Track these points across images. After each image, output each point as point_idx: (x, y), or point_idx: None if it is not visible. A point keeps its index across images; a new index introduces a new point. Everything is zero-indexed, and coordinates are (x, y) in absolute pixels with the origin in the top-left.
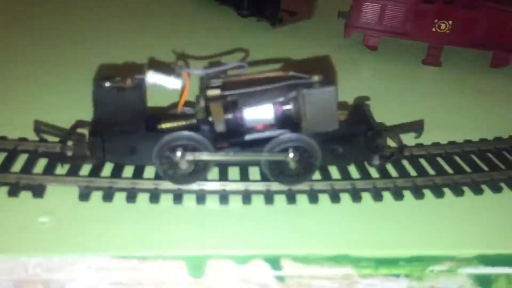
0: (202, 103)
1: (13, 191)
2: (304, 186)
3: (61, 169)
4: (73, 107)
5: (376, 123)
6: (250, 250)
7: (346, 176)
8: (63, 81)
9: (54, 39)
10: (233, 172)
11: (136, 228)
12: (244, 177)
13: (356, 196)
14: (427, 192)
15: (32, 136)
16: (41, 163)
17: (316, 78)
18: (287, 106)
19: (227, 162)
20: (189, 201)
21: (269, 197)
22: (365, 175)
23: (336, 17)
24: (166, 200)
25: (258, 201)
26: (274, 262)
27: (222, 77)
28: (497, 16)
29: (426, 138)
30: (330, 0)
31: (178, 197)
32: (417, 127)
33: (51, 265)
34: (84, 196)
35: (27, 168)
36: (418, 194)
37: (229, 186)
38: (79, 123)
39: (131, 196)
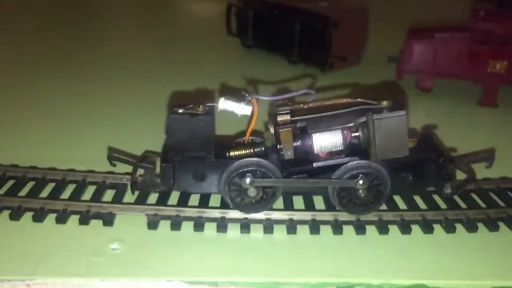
0: (271, 129)
1: (84, 219)
2: (372, 216)
3: (129, 198)
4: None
5: (446, 151)
6: (323, 278)
7: (414, 206)
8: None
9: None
10: (298, 202)
11: (205, 256)
12: (310, 206)
13: (427, 227)
14: (500, 224)
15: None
16: (109, 194)
17: (385, 103)
18: (355, 133)
19: (294, 191)
20: (256, 230)
21: (337, 227)
22: (434, 206)
23: (384, 63)
24: (233, 229)
25: (325, 231)
26: None
27: (290, 104)
28: None
29: (489, 173)
30: (378, 46)
31: (245, 226)
32: (487, 156)
33: None
34: (153, 224)
35: (97, 197)
36: (492, 226)
37: (296, 215)
38: (148, 153)
39: (199, 225)
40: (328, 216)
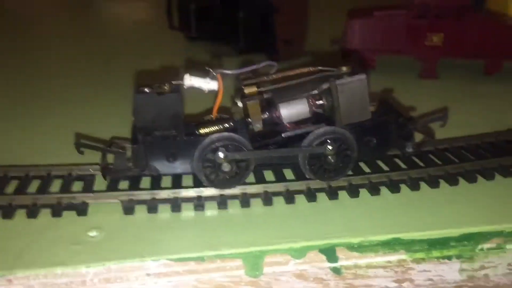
0: (239, 103)
1: (57, 211)
2: (342, 181)
3: (99, 187)
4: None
5: (404, 112)
6: (306, 242)
7: (380, 169)
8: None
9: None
10: (269, 175)
11: (187, 234)
12: (282, 178)
13: (394, 186)
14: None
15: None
16: (77, 185)
17: (344, 69)
18: (319, 101)
19: (265, 162)
20: (233, 206)
21: (310, 195)
22: (397, 167)
23: (328, 47)
24: (210, 208)
25: (300, 200)
26: (330, 253)
27: (253, 77)
28: (486, 26)
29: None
30: (319, 32)
31: (223, 203)
32: (442, 116)
33: (109, 275)
34: (128, 209)
35: (65, 189)
36: (452, 180)
37: (270, 188)
38: (114, 139)
39: (175, 206)
40: (300, 185)
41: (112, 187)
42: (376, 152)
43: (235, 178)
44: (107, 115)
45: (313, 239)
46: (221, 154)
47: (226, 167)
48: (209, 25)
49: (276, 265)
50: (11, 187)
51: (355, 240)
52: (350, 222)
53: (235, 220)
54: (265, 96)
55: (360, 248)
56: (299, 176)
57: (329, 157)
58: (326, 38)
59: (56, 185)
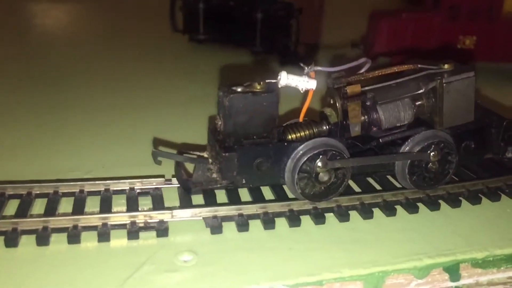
0: (338, 103)
1: (132, 233)
2: (441, 190)
3: (170, 201)
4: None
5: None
6: (430, 260)
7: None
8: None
9: None
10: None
11: (298, 255)
12: (369, 189)
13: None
14: None
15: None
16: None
17: (446, 66)
18: (418, 101)
19: (359, 171)
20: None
21: (412, 206)
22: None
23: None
24: (307, 222)
25: (399, 212)
26: (453, 270)
27: (346, 77)
28: None
29: None
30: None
31: (320, 216)
32: None
33: None
34: (216, 228)
35: (133, 206)
36: None
37: (367, 199)
38: (183, 149)
39: (268, 222)
40: (398, 195)
41: (187, 202)
42: (474, 157)
43: (332, 189)
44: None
45: (437, 256)
46: (320, 163)
47: (323, 176)
48: (219, 26)
49: (398, 286)
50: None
51: (480, 255)
52: (471, 235)
53: (347, 237)
54: (368, 96)
55: (484, 263)
56: (386, 186)
57: (431, 164)
58: (340, 40)
59: (118, 202)
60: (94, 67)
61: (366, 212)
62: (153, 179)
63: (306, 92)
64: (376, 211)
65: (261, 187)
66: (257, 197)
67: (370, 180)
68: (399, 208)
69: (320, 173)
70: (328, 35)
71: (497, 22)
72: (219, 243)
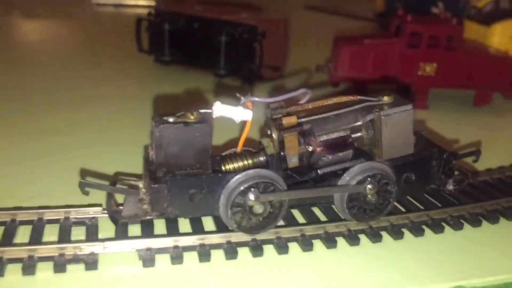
0: (274, 135)
1: (58, 266)
2: (385, 222)
3: (105, 232)
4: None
5: (445, 147)
6: None
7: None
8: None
9: None
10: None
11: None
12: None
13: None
14: None
15: None
16: (77, 232)
17: (386, 98)
18: (356, 133)
19: (297, 203)
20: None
21: (354, 237)
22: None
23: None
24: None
25: (341, 243)
26: None
27: (285, 107)
28: (476, 59)
29: None
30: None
31: (258, 248)
32: (475, 151)
33: None
34: (148, 261)
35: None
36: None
37: (309, 231)
38: (120, 176)
39: (230, 252)
40: (341, 227)
41: (123, 233)
42: (416, 188)
43: (269, 219)
44: (90, 148)
45: None
46: (252, 196)
47: (258, 209)
48: (184, 48)
49: None
50: None
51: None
52: (409, 269)
53: (284, 270)
54: (304, 127)
55: None
56: (332, 215)
57: (369, 196)
58: (305, 64)
59: (50, 232)
60: (49, 86)
61: (306, 244)
62: (90, 208)
63: (245, 122)
64: (317, 243)
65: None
66: (197, 228)
67: (316, 210)
68: (340, 240)
69: (254, 206)
70: (293, 59)
71: (457, 50)
72: (150, 277)
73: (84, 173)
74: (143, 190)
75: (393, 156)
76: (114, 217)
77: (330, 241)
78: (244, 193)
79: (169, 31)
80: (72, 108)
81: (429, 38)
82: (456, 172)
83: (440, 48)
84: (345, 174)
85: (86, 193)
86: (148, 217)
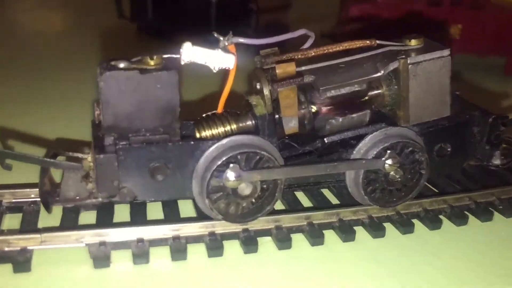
0: (265, 89)
1: None
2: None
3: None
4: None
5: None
6: None
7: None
8: None
9: None
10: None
11: None
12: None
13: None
14: None
15: None
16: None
17: (413, 42)
18: (375, 90)
19: (296, 182)
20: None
21: (377, 227)
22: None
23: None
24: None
25: (361, 235)
26: None
27: (280, 55)
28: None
29: None
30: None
31: (251, 242)
32: None
33: None
34: (102, 261)
35: None
36: None
37: (318, 218)
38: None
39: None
40: (360, 213)
41: (69, 222)
42: (451, 164)
43: (262, 202)
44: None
45: None
46: (231, 174)
47: (245, 189)
48: (170, 13)
49: None
50: None
51: None
52: (452, 269)
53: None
54: (306, 80)
55: None
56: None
57: (393, 173)
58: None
59: None
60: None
61: (314, 236)
62: (31, 190)
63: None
64: (329, 234)
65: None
66: (171, 214)
67: (326, 191)
68: (360, 231)
69: (239, 187)
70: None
71: (484, 9)
72: (104, 281)
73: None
74: (90, 164)
75: (423, 119)
76: (46, 199)
77: (346, 231)
78: (220, 171)
79: None
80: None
81: None
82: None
83: (465, 6)
84: (360, 144)
85: (8, 168)
86: (93, 200)
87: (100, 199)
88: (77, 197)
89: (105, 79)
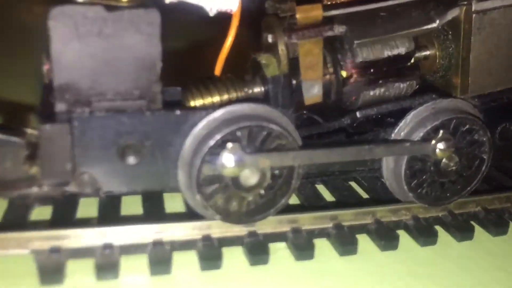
0: (281, 44)
1: None
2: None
3: None
4: None
5: None
6: None
7: None
8: None
9: None
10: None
11: None
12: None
13: None
14: None
15: None
16: None
17: None
18: (424, 51)
19: (321, 169)
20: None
21: (425, 231)
22: None
23: None
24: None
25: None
26: None
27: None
28: None
29: None
30: None
31: (260, 251)
32: None
33: None
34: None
35: None
36: None
37: (347, 219)
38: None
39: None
40: (402, 213)
41: (11, 221)
42: None
43: (269, 199)
44: None
45: None
46: (229, 158)
47: (249, 178)
48: None
49: None
50: None
51: None
52: None
53: None
54: (335, 30)
55: None
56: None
57: (445, 160)
58: None
59: None
60: None
61: (344, 243)
62: None
63: (227, 19)
64: (362, 240)
65: None
66: (152, 210)
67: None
68: (402, 236)
69: (242, 174)
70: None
71: None
72: None
73: None
74: (34, 138)
75: (485, 89)
76: None
77: (385, 237)
78: (214, 154)
79: None
80: None
81: None
82: None
83: None
84: (402, 122)
85: None
86: (36, 190)
87: (45, 189)
88: (14, 185)
89: (56, 17)
